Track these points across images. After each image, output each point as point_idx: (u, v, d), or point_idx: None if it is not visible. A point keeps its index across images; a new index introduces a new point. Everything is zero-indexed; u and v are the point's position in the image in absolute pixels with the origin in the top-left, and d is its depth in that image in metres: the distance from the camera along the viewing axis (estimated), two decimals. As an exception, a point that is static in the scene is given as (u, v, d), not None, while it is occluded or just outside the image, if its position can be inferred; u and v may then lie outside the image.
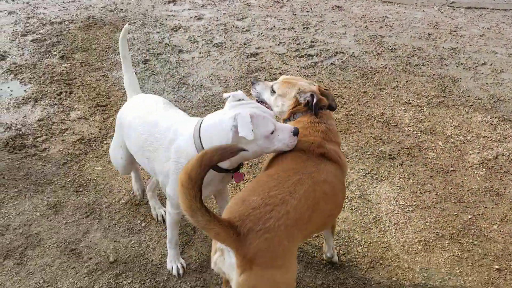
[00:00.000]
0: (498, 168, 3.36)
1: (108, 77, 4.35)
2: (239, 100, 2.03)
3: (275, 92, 2.32)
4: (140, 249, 2.59)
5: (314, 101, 2.17)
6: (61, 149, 3.36)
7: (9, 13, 5.64)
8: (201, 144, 2.01)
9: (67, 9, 5.87)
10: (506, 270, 2.56)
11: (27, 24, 5.34)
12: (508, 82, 4.55)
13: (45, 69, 4.42)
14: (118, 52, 4.78)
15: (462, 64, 4.89)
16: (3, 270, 2.42)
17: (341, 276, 2.46)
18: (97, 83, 4.24)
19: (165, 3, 6.25)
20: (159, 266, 2.49)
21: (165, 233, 2.67)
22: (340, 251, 2.61)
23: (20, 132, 3.51)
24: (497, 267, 2.58)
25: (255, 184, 1.90)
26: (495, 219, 2.91)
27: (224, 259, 1.74)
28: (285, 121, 2.31)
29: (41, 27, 5.29)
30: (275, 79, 4.39)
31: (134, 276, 2.42)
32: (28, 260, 2.49)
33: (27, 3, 6.01)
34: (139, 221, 2.77)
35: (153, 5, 6.16)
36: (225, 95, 2.09)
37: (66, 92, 4.07)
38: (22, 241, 2.60)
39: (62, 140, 3.46)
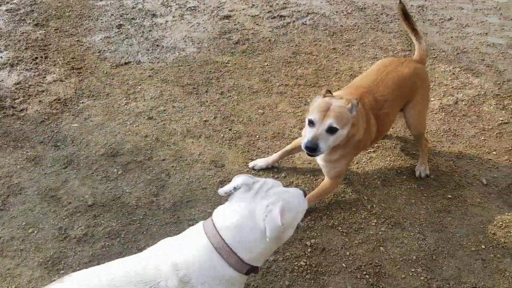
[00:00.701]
0: (457, 112, 3.55)
1: (82, 42, 4.43)
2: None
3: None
4: (117, 193, 2.75)
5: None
6: (38, 109, 3.47)
7: (-19, -16, 5.62)
8: (235, 253, 1.51)
9: (40, -21, 5.85)
10: (457, 199, 2.78)
11: (0, -6, 5.34)
12: (472, 35, 4.72)
13: (20, 37, 4.47)
14: (92, 19, 4.86)
15: (429, 20, 5.04)
16: (-13, 216, 2.56)
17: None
18: (72, 47, 4.32)
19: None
20: (135, 207, 2.66)
21: (141, 178, 2.84)
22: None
23: (-2, 95, 3.60)
24: (449, 196, 2.79)
25: None
26: (451, 156, 3.12)
27: None
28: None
29: (14, -3, 5.30)
30: (248, 39, 4.53)
31: (111, 216, 2.59)
32: (10, 206, 2.64)
33: (-1, -26, 5.98)
34: (115, 170, 2.92)
35: (126, -27, 6.17)
36: (220, 191, 1.64)
37: (42, 57, 4.15)
38: (4, 190, 2.74)
39: (39, 101, 3.57)
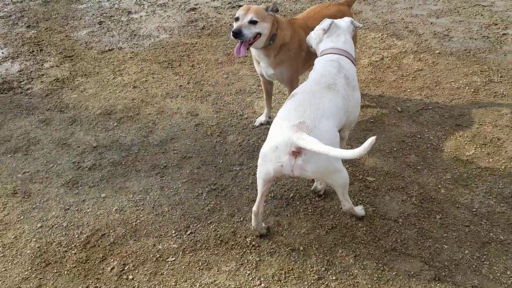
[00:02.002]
0: (382, 65, 4.44)
1: (70, 36, 5.18)
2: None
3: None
4: (115, 137, 3.52)
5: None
6: (41, 87, 4.21)
7: (-29, -2, 6.33)
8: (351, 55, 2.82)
9: (24, -10, 6.59)
10: (378, 122, 3.63)
11: (-9, 5, 6.06)
12: (400, 10, 5.65)
13: (16, 36, 5.20)
14: (76, 19, 5.63)
15: (364, 0, 5.96)
16: (15, 159, 3.30)
17: (267, 131, 3.47)
18: (62, 41, 5.07)
19: (111, -22, 7.04)
20: (131, 145, 3.43)
21: (133, 127, 3.61)
22: (267, 123, 3.62)
23: (6, 80, 4.32)
24: (372, 120, 3.65)
25: None
26: (376, 96, 3.98)
27: None
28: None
29: (5, 7, 6.02)
30: (212, 25, 5.35)
31: (113, 152, 3.36)
32: (32, 152, 3.38)
33: (-14, -11, 6.69)
34: (111, 123, 3.69)
35: (101, -19, 6.95)
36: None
37: (37, 50, 4.89)
38: (25, 142, 3.48)
39: (41, 82, 4.31)
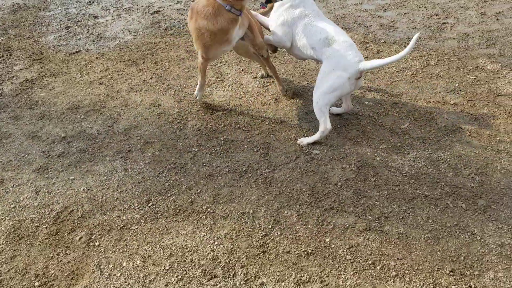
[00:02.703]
0: (332, 55, 4.80)
1: (39, 41, 5.43)
2: None
3: None
4: (82, 128, 3.78)
5: None
6: (12, 88, 4.45)
7: None
8: None
9: (-8, 1, 6.79)
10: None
11: (-41, 15, 6.25)
12: (350, 6, 6.06)
13: (-15, 43, 5.42)
14: (44, 25, 5.87)
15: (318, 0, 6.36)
16: (-12, 151, 3.54)
17: (224, 117, 3.80)
18: (31, 46, 5.31)
19: (78, -13, 7.30)
20: (97, 134, 3.69)
21: (99, 118, 3.89)
22: (221, 110, 3.94)
23: (-24, 83, 4.55)
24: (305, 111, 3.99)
25: None
26: (324, 81, 4.34)
27: None
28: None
29: (-28, 16, 6.22)
30: (174, 25, 5.66)
31: (80, 142, 3.62)
32: (3, 145, 3.61)
33: (-46, 1, 6.87)
34: (79, 116, 3.96)
35: (68, -10, 7.20)
36: None
37: (7, 55, 5.11)
38: (-3, 136, 3.72)
39: (11, 83, 4.54)
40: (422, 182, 3.06)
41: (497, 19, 5.39)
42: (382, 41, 5.03)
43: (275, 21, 3.66)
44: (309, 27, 3.51)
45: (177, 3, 6.39)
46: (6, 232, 2.80)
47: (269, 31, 3.78)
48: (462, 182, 3.05)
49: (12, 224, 2.86)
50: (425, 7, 5.89)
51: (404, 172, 3.15)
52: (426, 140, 3.45)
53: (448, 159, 3.25)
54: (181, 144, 3.55)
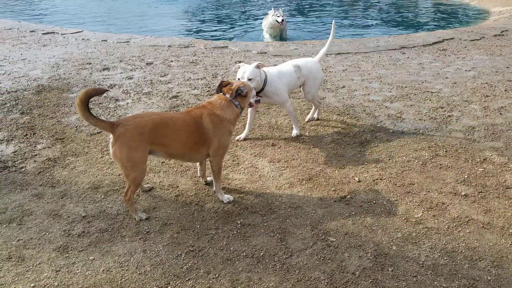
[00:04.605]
0: (343, 143, 5.02)
1: (61, 121, 5.69)
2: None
3: None
4: (102, 208, 3.87)
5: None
6: (34, 166, 4.61)
7: (-31, 88, 6.87)
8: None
9: (19, 82, 7.19)
10: (339, 189, 4.11)
11: (-13, 94, 6.59)
12: (359, 96, 6.40)
13: (10, 122, 5.68)
14: (67, 106, 6.17)
15: (328, 88, 6.73)
16: (10, 228, 3.60)
17: (240, 200, 3.90)
18: (54, 126, 5.56)
19: (100, 70, 7.75)
20: (116, 214, 3.78)
21: (118, 199, 3.99)
22: (237, 193, 4.05)
23: (1, 160, 4.71)
24: (333, 189, 4.12)
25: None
26: (336, 167, 4.50)
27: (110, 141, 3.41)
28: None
29: (0, 96, 6.56)
30: (191, 110, 5.94)
31: (100, 221, 3.69)
32: (25, 222, 3.69)
33: (-17, 80, 7.27)
34: (99, 196, 4.07)
35: (90, 73, 7.64)
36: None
37: (31, 134, 5.34)
38: (18, 214, 3.80)
39: (34, 161, 4.71)
40: (439, 273, 3.08)
41: (500, 113, 5.67)
42: (391, 130, 5.26)
43: None
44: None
45: (194, 89, 6.75)
46: (24, 313, 2.79)
47: None
48: (479, 274, 3.07)
49: (30, 305, 2.85)
50: (430, 100, 6.21)
51: (421, 262, 3.19)
52: (440, 231, 3.52)
53: (463, 251, 3.30)
54: (198, 226, 3.62)
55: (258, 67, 4.60)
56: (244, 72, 4.53)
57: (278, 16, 10.32)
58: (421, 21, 14.04)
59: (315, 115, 5.61)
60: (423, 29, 12.28)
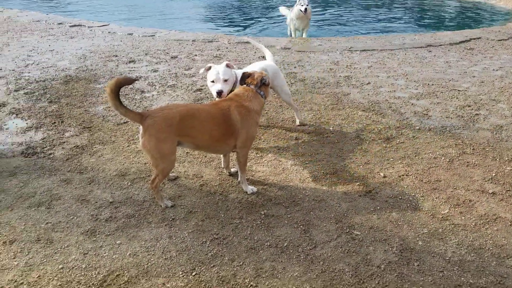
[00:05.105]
0: (368, 138, 4.98)
1: (89, 111, 5.78)
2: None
3: None
4: (129, 195, 3.93)
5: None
6: (62, 153, 4.70)
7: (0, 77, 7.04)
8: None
9: (47, 72, 7.33)
10: (364, 184, 4.08)
11: (17, 83, 6.74)
12: (384, 93, 6.34)
13: (39, 110, 5.80)
14: (94, 96, 6.28)
15: (352, 85, 6.68)
16: (39, 212, 3.69)
17: (264, 191, 3.91)
18: (81, 115, 5.66)
19: (126, 63, 7.85)
20: (143, 201, 3.83)
21: (144, 186, 4.05)
22: (261, 185, 4.07)
23: (30, 146, 4.82)
24: (358, 183, 4.10)
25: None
26: (361, 163, 4.48)
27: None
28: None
29: (29, 85, 6.71)
30: (216, 102, 5.98)
31: (127, 207, 3.75)
32: (54, 206, 3.78)
33: (13, 70, 7.43)
34: (125, 183, 4.13)
35: (117, 65, 7.74)
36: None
37: (59, 122, 5.45)
38: (47, 198, 3.89)
39: (62, 148, 4.81)
40: (466, 269, 3.05)
41: (529, 113, 5.55)
42: (417, 127, 5.20)
43: None
44: None
45: (218, 82, 6.77)
46: (53, 292, 2.86)
47: None
48: (507, 272, 3.02)
49: (59, 285, 2.92)
50: (457, 98, 6.11)
51: (447, 258, 3.15)
52: (467, 228, 3.47)
53: (491, 248, 3.25)
54: (223, 215, 3.64)
55: (228, 66, 4.33)
56: (217, 73, 4.26)
57: (302, 5, 9.62)
58: (446, 20, 13.83)
59: (300, 119, 5.33)
60: (449, 28, 12.08)
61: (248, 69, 4.72)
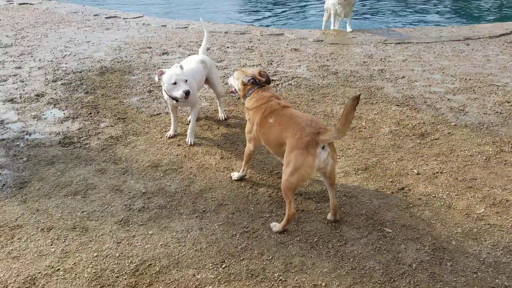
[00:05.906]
0: (401, 134, 4.89)
1: (123, 102, 5.89)
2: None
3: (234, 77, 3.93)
4: (161, 186, 4.00)
5: (255, 79, 3.73)
6: (98, 143, 4.82)
7: (38, 68, 7.25)
8: None
9: (84, 63, 7.50)
10: (396, 181, 4.02)
11: (55, 74, 6.93)
12: (419, 87, 6.20)
13: (76, 100, 5.95)
14: (128, 87, 6.39)
15: (386, 78, 6.56)
16: (75, 200, 3.81)
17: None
18: (116, 106, 5.77)
19: (160, 55, 7.94)
20: (174, 192, 3.89)
21: (176, 177, 4.11)
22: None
23: (67, 136, 4.96)
24: (390, 180, 4.04)
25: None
26: (394, 159, 4.40)
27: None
28: (244, 97, 3.87)
29: (66, 76, 6.88)
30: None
31: (159, 198, 3.82)
32: (89, 195, 3.88)
33: (51, 61, 7.64)
34: (158, 174, 4.20)
35: (150, 57, 7.84)
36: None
37: (94, 113, 5.58)
38: (83, 187, 4.00)
39: (98, 138, 4.93)
40: (501, 271, 2.97)
41: None
42: (453, 123, 5.07)
43: None
44: None
45: (250, 75, 6.77)
46: (88, 280, 2.95)
47: None
48: (545, 276, 2.92)
49: (94, 272, 3.01)
50: (495, 94, 5.92)
51: (481, 259, 3.08)
52: (504, 228, 3.38)
53: (529, 250, 3.15)
54: (253, 209, 3.66)
55: (181, 67, 4.49)
56: (178, 76, 4.36)
57: None
58: (486, 11, 13.35)
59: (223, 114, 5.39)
60: (489, 20, 11.66)
61: (185, 63, 4.83)
